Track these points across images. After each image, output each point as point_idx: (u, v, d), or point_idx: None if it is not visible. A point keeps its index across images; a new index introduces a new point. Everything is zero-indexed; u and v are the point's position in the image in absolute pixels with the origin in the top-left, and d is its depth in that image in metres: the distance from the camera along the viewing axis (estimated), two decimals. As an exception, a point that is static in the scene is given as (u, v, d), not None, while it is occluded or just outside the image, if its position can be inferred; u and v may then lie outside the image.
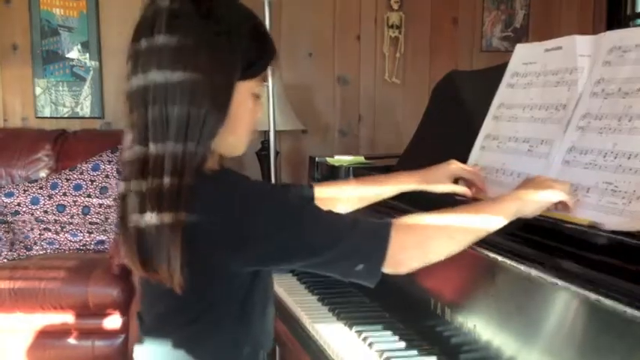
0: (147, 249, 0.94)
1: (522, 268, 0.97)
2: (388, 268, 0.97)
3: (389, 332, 1.26)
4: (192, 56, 0.93)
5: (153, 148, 0.93)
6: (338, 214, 1.02)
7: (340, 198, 1.30)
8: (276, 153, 2.38)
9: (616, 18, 3.43)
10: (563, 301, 0.89)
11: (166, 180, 0.92)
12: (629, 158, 0.96)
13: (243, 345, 1.03)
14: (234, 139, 1.01)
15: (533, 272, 0.94)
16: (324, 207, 1.03)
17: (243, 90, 0.98)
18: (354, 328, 1.29)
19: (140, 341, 1.07)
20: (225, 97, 0.96)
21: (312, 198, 1.25)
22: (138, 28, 0.97)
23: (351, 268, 0.97)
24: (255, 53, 0.99)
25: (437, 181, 1.26)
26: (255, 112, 1.02)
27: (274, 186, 0.96)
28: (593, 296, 0.82)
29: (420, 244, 1.00)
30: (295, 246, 0.96)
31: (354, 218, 0.99)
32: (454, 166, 1.26)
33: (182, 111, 0.92)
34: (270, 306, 1.08)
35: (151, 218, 0.93)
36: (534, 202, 1.01)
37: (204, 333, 1.00)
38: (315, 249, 0.96)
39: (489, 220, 0.99)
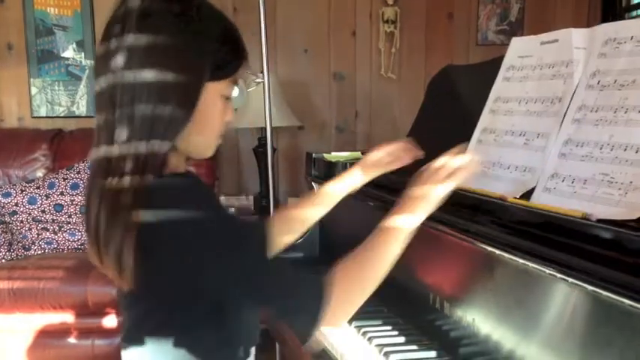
0: (105, 248, 0.94)
1: (520, 260, 0.97)
2: (322, 325, 0.98)
3: (388, 327, 1.27)
4: (161, 56, 0.94)
5: (117, 148, 0.94)
6: (280, 266, 1.00)
7: (298, 219, 1.31)
8: (273, 149, 2.37)
9: (611, 11, 3.43)
10: (561, 294, 0.90)
11: (126, 179, 0.93)
12: (625, 150, 0.96)
13: (221, 344, 1.02)
14: (201, 140, 1.02)
15: (531, 265, 0.94)
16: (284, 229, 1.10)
17: (213, 91, 0.98)
18: (354, 324, 1.30)
19: (124, 347, 1.07)
20: (192, 97, 0.96)
21: (264, 238, 1.15)
22: (108, 27, 0.97)
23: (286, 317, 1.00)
24: (226, 55, 0.99)
25: (375, 165, 1.31)
26: (224, 114, 1.02)
27: (228, 221, 0.95)
28: (590, 288, 0.83)
29: (353, 302, 1.02)
30: (234, 281, 0.95)
31: (293, 276, 0.99)
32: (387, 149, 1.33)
33: (148, 110, 0.93)
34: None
35: (107, 216, 0.93)
36: (432, 203, 1.06)
37: (177, 335, 0.99)
38: (257, 290, 0.96)
39: (398, 245, 1.06)
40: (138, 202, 0.92)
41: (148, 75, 0.93)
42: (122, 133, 0.93)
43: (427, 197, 1.07)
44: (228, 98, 1.02)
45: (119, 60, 0.94)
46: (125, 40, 0.93)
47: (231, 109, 1.04)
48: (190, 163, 1.08)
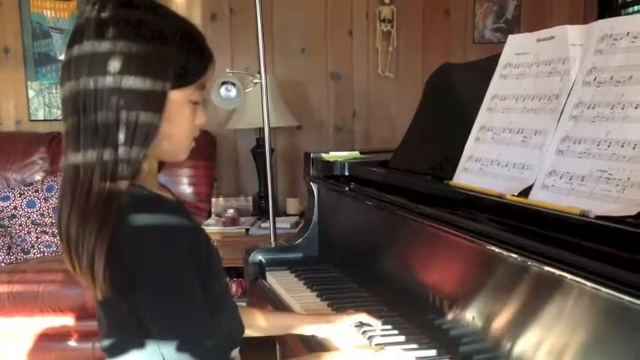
0: (77, 255, 0.94)
1: (518, 258, 0.97)
2: None
3: (388, 326, 1.27)
4: (122, 63, 0.93)
5: (84, 155, 0.94)
6: (205, 326, 0.98)
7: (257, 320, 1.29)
8: (272, 150, 2.37)
9: (607, 7, 3.44)
10: (560, 291, 0.90)
11: (95, 187, 0.93)
12: (622, 146, 0.96)
13: (195, 347, 0.99)
14: (170, 146, 1.02)
15: (529, 262, 0.94)
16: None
17: (179, 98, 0.99)
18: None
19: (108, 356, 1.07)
20: (157, 105, 0.96)
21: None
22: (72, 35, 0.97)
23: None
24: (189, 62, 0.99)
25: (335, 334, 1.25)
26: (193, 118, 1.02)
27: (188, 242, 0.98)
28: (589, 284, 0.83)
29: None
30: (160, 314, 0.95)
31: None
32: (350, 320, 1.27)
33: (111, 117, 0.93)
34: (223, 309, 1.08)
35: (77, 224, 0.93)
36: None
37: (148, 341, 0.98)
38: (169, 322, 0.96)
39: None
40: (107, 209, 0.92)
41: (109, 81, 0.93)
42: (87, 140, 0.94)
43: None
44: (196, 103, 1.02)
45: (81, 67, 0.94)
46: (85, 47, 0.94)
47: (201, 112, 1.04)
48: (166, 166, 1.09)
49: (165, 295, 0.95)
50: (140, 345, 0.99)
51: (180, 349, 0.95)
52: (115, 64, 0.93)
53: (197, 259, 0.98)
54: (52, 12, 3.35)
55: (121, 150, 0.93)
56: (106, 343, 1.05)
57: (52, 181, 2.95)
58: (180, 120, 1.00)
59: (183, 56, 0.98)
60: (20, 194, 2.90)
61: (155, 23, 0.96)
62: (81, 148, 0.94)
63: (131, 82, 0.93)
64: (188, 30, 1.00)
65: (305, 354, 1.25)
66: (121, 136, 0.93)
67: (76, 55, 0.95)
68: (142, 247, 0.93)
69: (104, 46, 0.93)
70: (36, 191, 2.91)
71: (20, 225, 2.87)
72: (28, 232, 2.86)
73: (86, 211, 0.93)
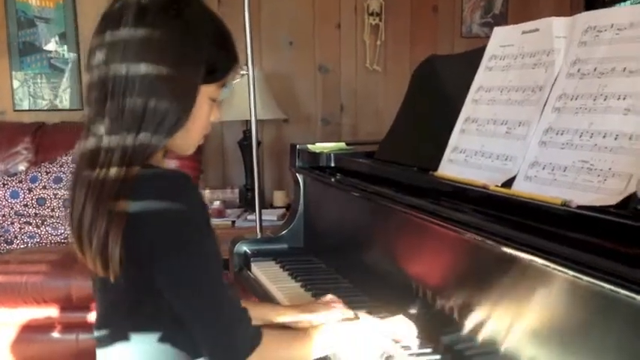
0: (88, 238, 0.95)
1: (502, 248, 0.97)
2: None
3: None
4: (157, 51, 0.95)
5: (107, 139, 0.95)
6: (230, 295, 1.01)
7: None
8: (258, 142, 2.37)
9: (594, 3, 3.46)
10: (543, 280, 0.90)
11: (113, 171, 0.94)
12: (604, 137, 0.97)
13: (186, 336, 1.01)
14: (184, 139, 1.03)
15: (513, 252, 0.95)
16: None
17: (203, 93, 1.00)
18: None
19: (100, 344, 1.08)
20: (189, 98, 0.98)
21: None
22: (103, 21, 0.98)
23: (209, 344, 0.98)
24: (219, 59, 1.02)
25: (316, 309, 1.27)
26: (210, 115, 1.04)
27: (205, 225, 0.99)
28: (571, 273, 0.83)
29: None
30: (186, 284, 0.96)
31: (235, 310, 1.01)
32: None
33: (139, 103, 0.94)
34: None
35: (93, 207, 0.94)
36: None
37: (146, 323, 1.00)
38: (198, 303, 0.97)
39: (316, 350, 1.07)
40: (124, 192, 0.93)
41: (143, 68, 0.94)
42: (113, 126, 0.94)
43: (364, 332, 1.12)
44: (214, 100, 1.04)
45: (114, 53, 0.95)
46: (120, 33, 0.95)
47: (217, 111, 1.06)
48: (169, 156, 1.10)
49: (190, 273, 0.96)
50: (138, 329, 1.00)
51: (221, 325, 0.97)
52: (150, 52, 0.95)
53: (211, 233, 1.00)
54: (37, 1, 3.31)
55: (143, 136, 0.95)
56: (103, 329, 1.06)
57: (36, 171, 2.92)
58: (199, 115, 1.01)
59: (216, 54, 1.00)
60: (4, 185, 2.88)
61: (194, 18, 0.98)
62: (105, 132, 0.95)
63: (165, 71, 0.95)
64: (222, 28, 1.03)
65: None
66: (145, 123, 0.94)
67: (109, 41, 0.95)
68: (166, 224, 0.94)
69: (140, 33, 0.94)
70: (20, 182, 2.89)
71: (3, 216, 2.85)
72: (12, 223, 2.84)
73: (102, 193, 0.94)
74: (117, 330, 1.03)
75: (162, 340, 1.01)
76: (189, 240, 0.95)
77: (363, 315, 1.20)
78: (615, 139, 0.95)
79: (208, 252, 0.98)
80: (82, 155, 0.98)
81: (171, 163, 3.08)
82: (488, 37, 1.39)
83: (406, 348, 1.13)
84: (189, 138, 1.03)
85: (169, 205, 0.94)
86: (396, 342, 1.12)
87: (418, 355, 1.11)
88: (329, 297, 1.29)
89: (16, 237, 2.82)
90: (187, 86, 0.98)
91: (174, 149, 1.05)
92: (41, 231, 2.83)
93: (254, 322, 1.02)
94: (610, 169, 0.93)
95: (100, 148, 0.95)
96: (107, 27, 0.96)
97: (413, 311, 1.22)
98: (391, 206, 1.34)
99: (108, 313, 1.07)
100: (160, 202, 0.94)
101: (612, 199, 0.88)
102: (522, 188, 1.07)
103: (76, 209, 0.97)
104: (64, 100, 3.39)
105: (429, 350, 1.12)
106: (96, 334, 1.08)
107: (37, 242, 2.83)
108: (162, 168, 1.01)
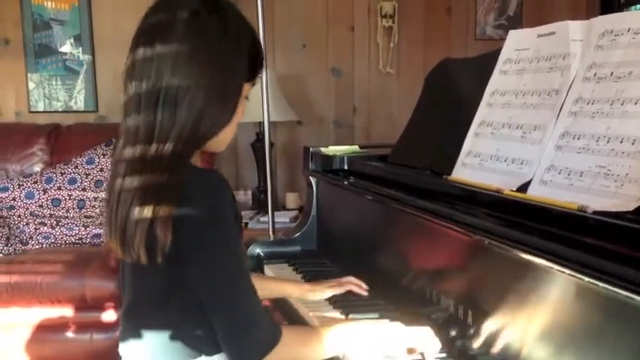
0: (131, 237, 0.99)
1: (516, 253, 0.97)
2: None
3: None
4: (207, 59, 1.00)
5: (155, 147, 0.99)
6: (254, 295, 1.04)
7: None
8: (271, 144, 2.37)
9: (609, 4, 3.43)
10: (558, 285, 0.90)
11: (161, 175, 0.98)
12: (621, 142, 0.96)
13: (208, 332, 1.04)
14: (224, 136, 1.08)
15: (527, 257, 0.94)
16: None
17: (242, 92, 1.07)
18: (350, 317, 1.30)
19: (122, 338, 1.12)
20: (235, 98, 1.04)
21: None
22: (150, 33, 1.01)
23: (230, 339, 1.01)
24: (254, 60, 1.07)
25: (319, 291, 1.41)
26: (243, 112, 1.09)
27: (235, 227, 1.04)
28: (586, 279, 0.83)
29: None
30: (215, 283, 1.00)
31: (258, 310, 1.03)
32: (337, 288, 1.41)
33: (190, 113, 0.99)
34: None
35: (142, 211, 0.98)
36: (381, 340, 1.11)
37: (175, 314, 1.04)
38: (226, 300, 1.00)
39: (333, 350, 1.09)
40: (170, 190, 0.98)
41: (194, 77, 0.99)
42: (162, 134, 0.99)
43: (387, 336, 1.13)
44: (246, 98, 1.09)
45: (164, 65, 0.99)
46: (169, 46, 0.99)
47: (244, 109, 1.10)
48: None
49: (220, 266, 1.00)
50: (168, 318, 1.05)
51: (245, 321, 1.00)
52: (200, 61, 0.99)
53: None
54: (53, 3, 3.34)
55: (193, 140, 1.01)
56: (131, 319, 1.10)
57: (51, 172, 2.95)
58: (237, 113, 1.06)
59: (251, 56, 1.06)
60: (19, 185, 2.90)
61: (235, 27, 1.04)
62: (154, 141, 0.99)
63: (215, 77, 1.00)
64: (255, 34, 1.09)
65: None
66: (198, 128, 1.00)
67: (158, 53, 0.99)
68: (200, 221, 0.98)
69: (188, 47, 0.99)
70: (35, 182, 2.91)
71: (19, 216, 2.87)
72: (27, 224, 2.86)
73: (150, 194, 0.98)
74: (145, 320, 1.07)
75: (186, 333, 1.05)
76: (219, 237, 1.00)
77: (380, 320, 1.22)
78: (632, 144, 0.94)
79: (235, 251, 1.02)
80: (128, 162, 1.01)
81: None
82: (502, 39, 1.38)
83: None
84: (226, 135, 1.08)
85: (205, 202, 0.99)
86: (412, 351, 1.11)
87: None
88: (349, 278, 1.40)
89: (31, 237, 2.85)
90: (234, 88, 1.04)
91: (211, 148, 1.09)
92: (56, 232, 2.86)
93: (261, 295, 1.06)
94: (627, 174, 0.92)
95: (148, 155, 0.99)
96: (155, 39, 1.00)
97: (431, 316, 1.22)
98: (404, 210, 1.33)
99: (138, 302, 1.10)
100: (198, 200, 0.98)
101: (629, 205, 0.88)
102: (538, 193, 1.07)
103: (122, 208, 1.00)
104: (79, 101, 3.42)
105: (443, 355, 1.12)
106: (123, 326, 1.12)
107: (51, 243, 2.85)
108: (198, 167, 1.05)
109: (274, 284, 1.46)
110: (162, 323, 1.05)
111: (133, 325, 1.09)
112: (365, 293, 1.41)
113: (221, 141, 1.08)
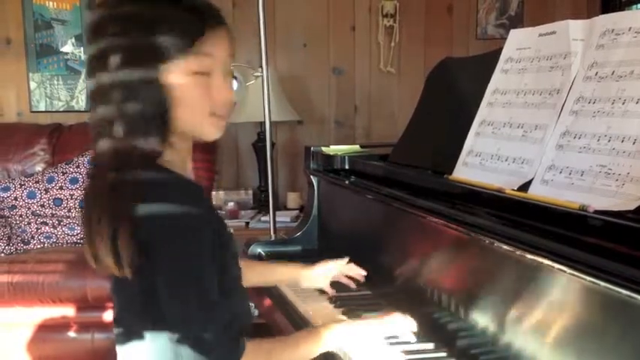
0: (99, 239, 0.95)
1: (518, 252, 0.97)
2: None
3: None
4: (117, 57, 0.94)
5: (101, 144, 0.96)
6: (219, 304, 0.98)
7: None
8: (272, 144, 2.37)
9: (610, 4, 3.43)
10: (559, 285, 0.90)
11: (122, 173, 0.94)
12: (622, 141, 0.96)
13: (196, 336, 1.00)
14: (193, 125, 0.99)
15: (529, 256, 0.94)
16: None
17: (178, 71, 0.94)
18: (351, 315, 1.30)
19: (116, 341, 1.10)
20: (155, 93, 0.94)
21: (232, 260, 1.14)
22: (90, 32, 0.99)
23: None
24: (175, 32, 0.93)
25: (314, 280, 1.43)
26: (204, 92, 0.97)
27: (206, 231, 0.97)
28: (588, 278, 0.83)
29: None
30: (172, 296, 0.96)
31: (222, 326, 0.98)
32: (332, 265, 1.43)
33: (137, 108, 0.94)
34: (237, 293, 1.08)
35: (104, 209, 0.94)
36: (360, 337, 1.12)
37: (156, 322, 1.00)
38: (181, 315, 0.96)
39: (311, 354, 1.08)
40: (135, 195, 0.93)
41: (111, 77, 0.94)
42: (104, 132, 0.96)
43: (361, 333, 1.13)
44: (205, 74, 0.96)
45: (98, 64, 0.96)
46: (99, 45, 0.96)
47: (220, 86, 0.98)
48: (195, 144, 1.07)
49: (176, 280, 0.95)
50: (148, 329, 1.01)
51: (182, 336, 0.97)
52: (110, 61, 0.94)
53: (217, 245, 0.97)
54: (54, 3, 3.34)
55: (139, 139, 0.94)
56: (120, 328, 1.09)
57: (52, 172, 2.95)
58: (187, 96, 0.96)
59: (169, 29, 0.93)
60: (21, 185, 2.91)
61: (143, 12, 0.95)
62: (99, 139, 0.97)
63: (124, 74, 0.94)
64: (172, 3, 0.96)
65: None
66: (133, 126, 0.94)
67: (92, 53, 0.97)
68: (160, 231, 0.93)
69: (102, 44, 0.95)
70: (36, 182, 2.91)
71: (20, 216, 2.87)
72: (29, 223, 2.87)
73: (115, 195, 0.94)
74: (131, 329, 1.05)
75: (173, 341, 1.00)
76: (185, 248, 0.94)
77: (364, 315, 1.23)
78: (634, 143, 0.94)
79: (201, 263, 0.96)
80: (95, 159, 0.99)
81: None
82: (503, 38, 1.38)
83: (406, 343, 1.14)
84: (195, 123, 0.99)
85: (173, 210, 0.93)
86: (394, 337, 1.14)
87: (432, 359, 1.11)
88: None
89: (32, 237, 2.85)
90: (147, 79, 0.93)
91: (197, 138, 1.02)
92: (58, 231, 2.86)
93: (255, 283, 1.04)
94: (628, 173, 0.92)
95: (109, 152, 0.95)
96: (91, 39, 0.98)
97: (433, 315, 1.22)
98: (405, 209, 1.34)
99: (123, 312, 1.09)
100: (166, 207, 0.94)
101: (630, 204, 0.88)
102: (539, 192, 1.07)
103: (87, 211, 0.97)
104: (80, 101, 3.42)
105: (444, 354, 1.12)
106: (114, 331, 1.11)
107: (53, 242, 2.85)
108: (178, 175, 0.98)
109: (264, 267, 1.50)
110: (148, 331, 1.01)
111: (123, 331, 1.07)
112: (362, 279, 1.42)
113: (196, 131, 1.00)
